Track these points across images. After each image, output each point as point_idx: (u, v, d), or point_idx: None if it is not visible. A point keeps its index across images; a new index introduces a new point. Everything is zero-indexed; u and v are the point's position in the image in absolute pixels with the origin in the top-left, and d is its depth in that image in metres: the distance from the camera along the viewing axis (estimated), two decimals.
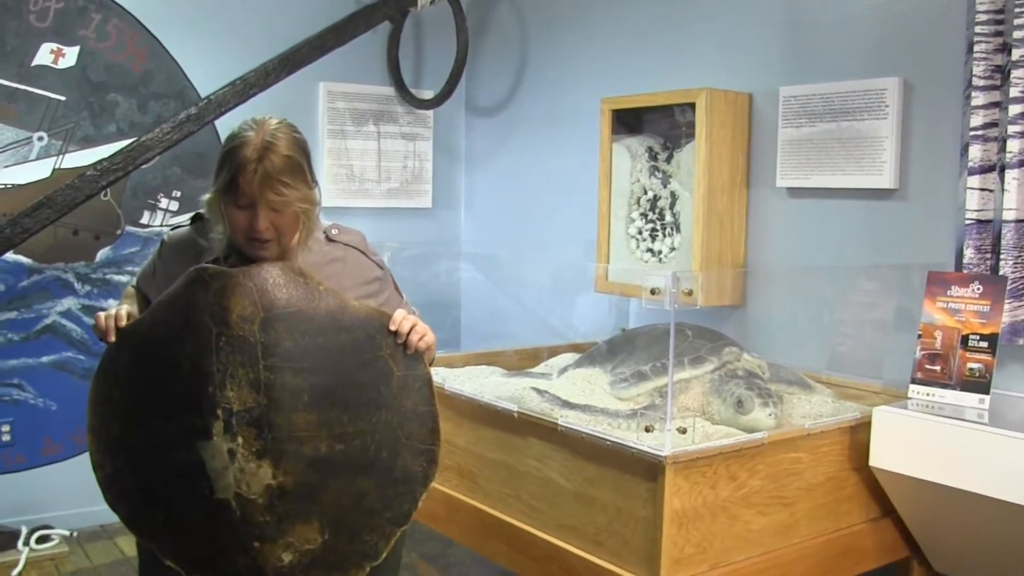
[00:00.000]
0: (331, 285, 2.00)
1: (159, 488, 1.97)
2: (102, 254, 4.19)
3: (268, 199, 1.90)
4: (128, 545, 3.92)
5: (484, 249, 5.09)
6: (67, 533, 4.00)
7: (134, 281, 2.27)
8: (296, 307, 1.93)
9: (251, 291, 1.91)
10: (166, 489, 1.96)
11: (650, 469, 2.21)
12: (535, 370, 3.32)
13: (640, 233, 3.73)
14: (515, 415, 2.62)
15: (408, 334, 1.97)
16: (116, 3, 4.11)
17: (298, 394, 1.90)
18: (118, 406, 1.99)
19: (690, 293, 2.24)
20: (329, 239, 2.13)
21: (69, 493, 4.07)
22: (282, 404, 1.89)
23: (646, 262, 3.69)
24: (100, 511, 4.12)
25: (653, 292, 2.23)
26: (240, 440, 1.88)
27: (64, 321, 4.14)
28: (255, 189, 1.89)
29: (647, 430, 2.35)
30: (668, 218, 3.62)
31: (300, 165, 1.96)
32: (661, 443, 2.20)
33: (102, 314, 1.98)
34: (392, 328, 1.98)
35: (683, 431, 2.28)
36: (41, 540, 3.97)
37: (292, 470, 1.90)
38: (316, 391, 1.92)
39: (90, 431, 2.01)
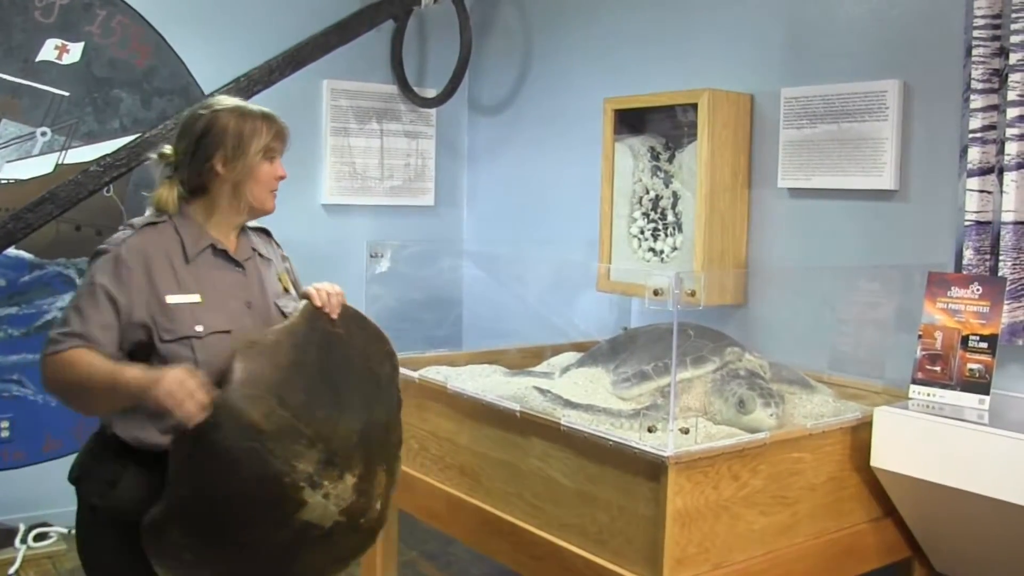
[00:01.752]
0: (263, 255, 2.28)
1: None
2: None
3: (281, 150, 2.22)
4: None
5: (486, 247, 5.10)
6: (65, 531, 4.00)
7: (91, 327, 2.00)
8: (276, 366, 2.01)
9: (254, 393, 1.95)
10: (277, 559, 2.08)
11: (653, 469, 2.22)
12: (537, 369, 3.32)
13: (642, 233, 3.74)
14: (518, 415, 2.63)
15: (330, 302, 2.17)
16: (121, 0, 4.11)
17: (330, 417, 2.06)
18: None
19: (693, 293, 2.25)
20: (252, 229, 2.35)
21: (68, 490, 4.03)
22: (329, 434, 2.04)
23: (648, 261, 3.70)
24: None
25: (656, 292, 2.24)
26: (327, 483, 2.03)
27: None
28: (281, 142, 2.20)
29: (650, 430, 2.36)
30: (670, 218, 3.63)
31: None
32: (664, 443, 2.21)
33: (177, 392, 1.88)
34: (320, 305, 2.14)
35: (686, 431, 2.29)
36: (39, 538, 3.97)
37: (358, 459, 2.09)
38: (330, 400, 2.08)
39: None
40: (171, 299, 2.03)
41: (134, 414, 1.99)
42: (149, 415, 1.95)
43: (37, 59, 3.96)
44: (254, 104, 2.24)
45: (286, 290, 2.28)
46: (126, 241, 2.06)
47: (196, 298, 2.06)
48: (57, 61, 4.00)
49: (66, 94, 4.04)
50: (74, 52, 4.03)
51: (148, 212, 2.19)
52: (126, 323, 2.00)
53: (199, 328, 2.03)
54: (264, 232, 2.36)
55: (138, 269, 2.02)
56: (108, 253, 2.04)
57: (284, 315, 2.17)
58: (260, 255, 2.26)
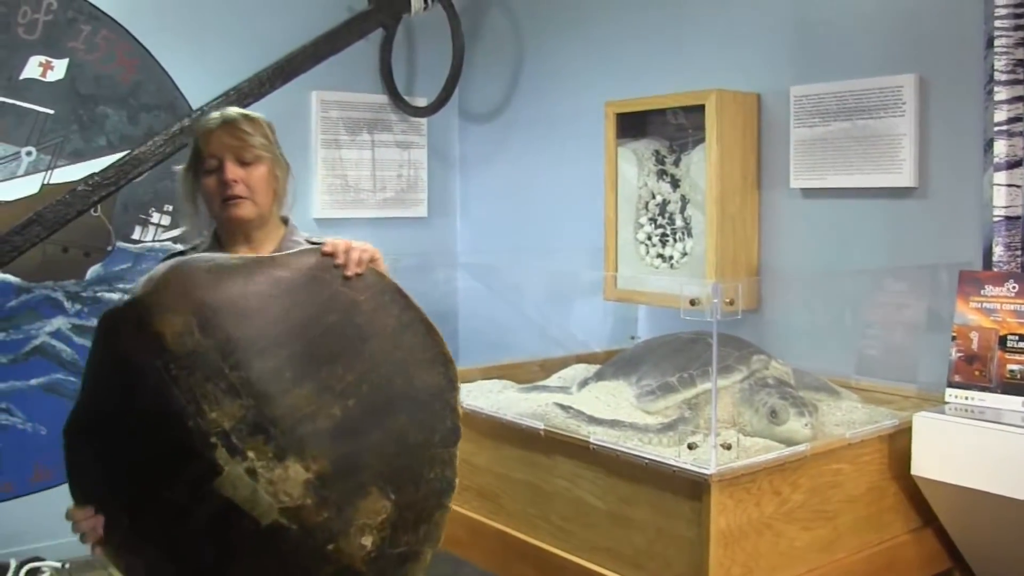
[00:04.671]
0: None
1: (198, 555, 1.76)
2: (92, 271, 4.07)
3: (231, 146, 2.03)
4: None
5: (482, 259, 5.00)
6: (58, 565, 3.86)
7: None
8: (223, 292, 1.75)
9: (168, 303, 1.72)
10: (207, 550, 1.75)
11: (694, 488, 2.12)
12: (552, 383, 3.22)
13: (649, 239, 3.65)
14: (541, 433, 2.52)
15: (347, 253, 1.85)
16: (105, 14, 4.00)
17: (279, 374, 1.71)
18: (110, 505, 1.80)
19: (732, 303, 2.15)
20: (311, 243, 2.11)
21: (60, 522, 3.85)
22: (270, 393, 1.70)
23: (657, 268, 3.61)
24: None
25: (692, 303, 2.15)
26: (251, 454, 1.68)
27: (54, 342, 4.01)
28: (219, 140, 2.03)
29: (690, 447, 2.26)
30: (679, 223, 3.54)
31: (258, 121, 2.11)
32: (705, 461, 2.11)
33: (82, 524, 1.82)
34: (327, 251, 1.85)
35: (728, 447, 2.19)
36: (31, 573, 3.84)
37: (320, 452, 1.71)
38: (294, 360, 1.73)
39: (102, 544, 1.82)
40: None
41: None
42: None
43: (20, 77, 3.84)
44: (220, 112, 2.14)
45: None
46: None
47: None
48: (41, 78, 3.88)
49: (51, 112, 3.91)
50: (58, 69, 3.91)
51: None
52: None
53: None
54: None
55: None
56: None
57: None
58: None
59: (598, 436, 2.40)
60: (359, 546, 1.74)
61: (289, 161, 2.23)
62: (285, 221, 2.22)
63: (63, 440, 1.82)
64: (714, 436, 2.16)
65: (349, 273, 1.83)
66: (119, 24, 4.04)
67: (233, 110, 2.14)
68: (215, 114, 2.11)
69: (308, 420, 1.72)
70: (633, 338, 3.79)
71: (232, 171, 2.04)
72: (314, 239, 2.14)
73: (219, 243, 2.14)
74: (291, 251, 1.90)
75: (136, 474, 1.77)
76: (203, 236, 2.19)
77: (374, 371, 1.79)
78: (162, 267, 1.78)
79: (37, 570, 3.85)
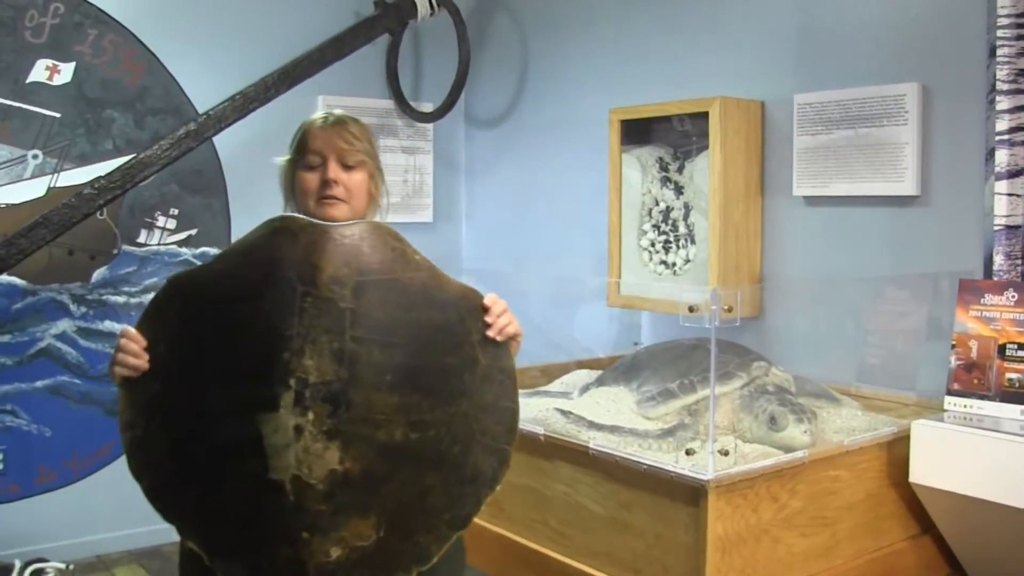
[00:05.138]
0: None
1: (199, 460, 1.77)
2: (98, 274, 4.08)
3: (338, 147, 2.03)
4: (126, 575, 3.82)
5: (487, 264, 5.01)
6: (63, 566, 3.86)
7: None
8: (392, 275, 1.77)
9: (346, 250, 1.75)
10: (207, 462, 1.77)
11: (691, 493, 2.13)
12: (553, 389, 3.23)
13: (653, 245, 3.66)
14: (542, 438, 2.53)
15: (500, 317, 1.86)
16: (112, 18, 4.01)
17: (382, 372, 1.74)
18: (162, 361, 1.80)
19: (730, 309, 2.16)
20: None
21: (65, 523, 3.96)
22: (364, 381, 1.72)
23: (660, 275, 3.62)
24: (97, 541, 4.05)
25: (691, 309, 2.16)
26: (311, 416, 1.70)
27: (59, 344, 4.02)
28: (325, 140, 2.04)
29: (688, 452, 2.27)
30: (682, 229, 3.55)
31: (368, 131, 2.13)
32: (703, 466, 2.12)
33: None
34: (487, 304, 1.85)
35: (725, 453, 2.20)
36: (36, 574, 3.85)
37: (361, 456, 1.73)
38: (401, 371, 1.75)
39: (122, 384, 1.81)
40: None
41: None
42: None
43: (27, 80, 3.85)
44: (327, 111, 2.15)
45: None
46: None
47: None
48: (48, 82, 3.90)
49: (57, 115, 3.93)
50: (65, 72, 3.93)
51: None
52: None
53: None
54: None
55: None
56: None
57: None
58: None
59: (597, 441, 2.40)
60: (325, 551, 1.75)
61: None
62: None
63: (166, 286, 1.84)
64: (711, 442, 2.16)
65: (491, 334, 1.85)
66: (126, 28, 4.05)
67: (340, 111, 2.14)
68: (323, 112, 2.12)
69: (373, 424, 1.74)
70: (636, 344, 3.79)
71: (334, 171, 2.03)
72: None
73: None
74: (454, 282, 1.87)
75: (208, 350, 1.79)
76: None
77: (448, 426, 1.80)
78: (364, 221, 1.84)
79: (41, 571, 3.87)
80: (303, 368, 1.70)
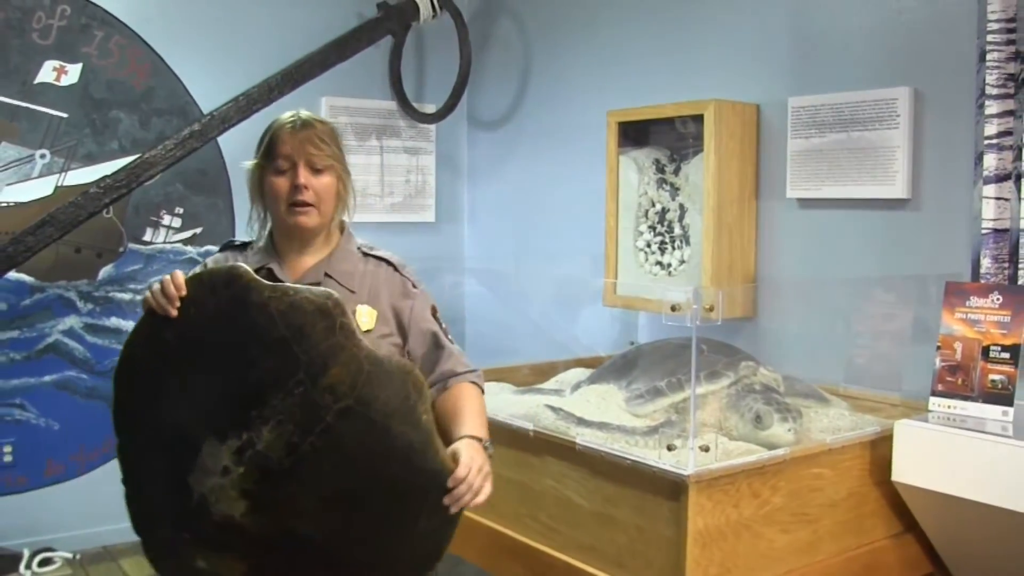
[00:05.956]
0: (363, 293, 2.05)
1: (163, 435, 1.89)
2: (104, 272, 4.15)
3: (307, 152, 2.04)
4: (131, 567, 3.87)
5: (488, 264, 5.05)
6: (70, 556, 3.94)
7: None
8: (387, 421, 1.78)
9: (358, 367, 1.77)
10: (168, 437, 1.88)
11: (673, 488, 2.17)
12: (546, 386, 3.27)
13: (648, 246, 3.70)
14: (531, 434, 2.58)
15: (465, 494, 1.84)
16: (119, 20, 4.08)
17: (322, 483, 1.79)
18: (168, 345, 1.87)
19: (711, 309, 2.20)
20: (364, 253, 2.16)
21: (71, 515, 4.03)
22: (301, 479, 1.78)
23: (655, 275, 3.65)
24: (103, 532, 4.11)
25: (673, 308, 2.20)
26: (241, 470, 1.79)
27: (66, 340, 4.10)
28: (294, 145, 2.04)
29: (669, 448, 2.31)
30: (677, 231, 3.59)
31: (334, 133, 2.13)
32: (684, 462, 2.16)
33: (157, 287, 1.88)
34: (458, 476, 1.82)
35: (706, 449, 2.24)
36: (43, 563, 3.92)
37: (262, 525, 1.81)
38: (341, 495, 1.80)
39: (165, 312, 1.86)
40: None
41: None
42: None
43: (35, 81, 3.92)
44: (292, 111, 2.14)
45: (367, 330, 2.03)
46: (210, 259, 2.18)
47: None
48: (55, 83, 3.97)
49: (64, 116, 4.00)
50: (72, 73, 3.99)
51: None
52: None
53: None
54: (385, 262, 2.17)
55: None
56: None
57: None
58: (339, 283, 2.08)
59: (585, 437, 2.45)
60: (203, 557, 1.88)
61: None
62: (341, 227, 2.20)
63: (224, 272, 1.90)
64: (692, 438, 2.21)
65: (447, 503, 1.83)
66: (132, 30, 4.11)
67: (307, 113, 2.12)
68: (290, 114, 2.10)
69: (288, 514, 1.81)
70: (633, 343, 3.83)
71: (305, 176, 2.04)
72: (367, 248, 2.17)
73: (273, 243, 2.14)
74: (442, 454, 1.84)
75: (199, 372, 1.86)
76: (252, 230, 2.18)
77: (361, 545, 1.86)
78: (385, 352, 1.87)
79: (49, 560, 3.93)
80: (259, 433, 1.78)
